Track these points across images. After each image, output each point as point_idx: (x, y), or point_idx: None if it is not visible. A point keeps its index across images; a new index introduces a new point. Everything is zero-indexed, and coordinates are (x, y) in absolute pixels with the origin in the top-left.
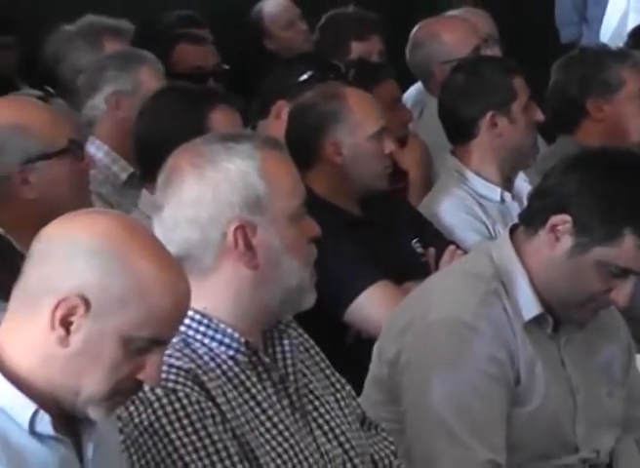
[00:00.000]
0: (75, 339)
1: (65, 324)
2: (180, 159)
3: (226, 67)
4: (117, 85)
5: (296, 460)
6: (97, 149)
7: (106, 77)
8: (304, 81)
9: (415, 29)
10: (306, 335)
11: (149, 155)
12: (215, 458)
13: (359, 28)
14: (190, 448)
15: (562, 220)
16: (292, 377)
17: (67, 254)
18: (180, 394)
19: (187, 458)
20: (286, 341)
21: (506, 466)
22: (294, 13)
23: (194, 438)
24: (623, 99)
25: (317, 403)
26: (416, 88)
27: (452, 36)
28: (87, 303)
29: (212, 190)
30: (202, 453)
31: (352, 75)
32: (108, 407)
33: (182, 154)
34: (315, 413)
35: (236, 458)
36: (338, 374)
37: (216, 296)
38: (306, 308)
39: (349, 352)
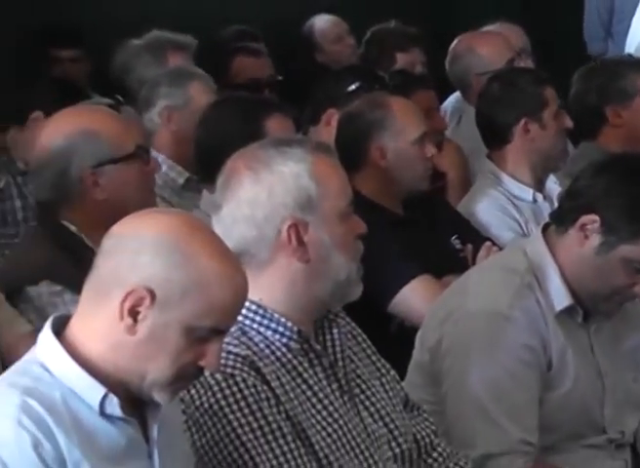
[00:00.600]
0: (142, 328)
1: (133, 314)
2: (237, 162)
3: (280, 78)
4: (169, 100)
5: (344, 439)
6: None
7: (160, 93)
8: (353, 91)
9: (453, 43)
10: (354, 324)
11: (209, 159)
12: (269, 438)
13: (402, 41)
14: (247, 429)
15: (591, 220)
16: (340, 363)
17: (135, 250)
18: (238, 378)
19: (244, 438)
20: (335, 330)
21: (539, 446)
22: (342, 28)
23: (250, 419)
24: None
25: (364, 386)
26: (454, 97)
27: (488, 49)
28: (153, 295)
29: (267, 191)
30: (258, 433)
31: (393, 85)
32: (172, 391)
33: (240, 158)
34: (362, 396)
35: (289, 438)
36: (383, 360)
37: (270, 289)
38: (354, 299)
39: (394, 340)
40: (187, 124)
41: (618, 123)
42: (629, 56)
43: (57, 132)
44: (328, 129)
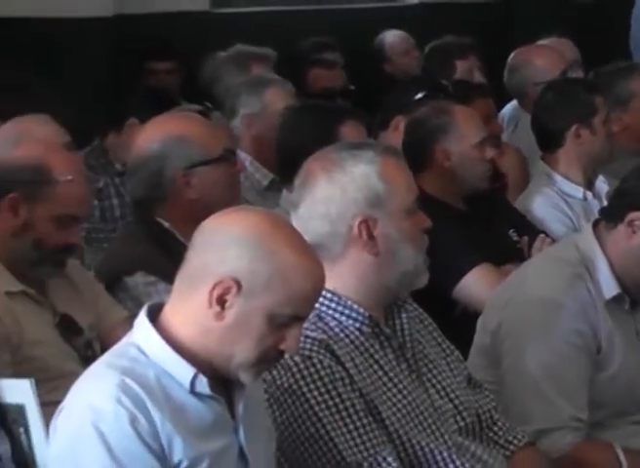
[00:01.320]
0: (228, 315)
1: (221, 302)
2: (313, 164)
3: (352, 88)
4: (247, 108)
5: (413, 414)
6: (242, 160)
7: (240, 102)
8: (419, 99)
9: (511, 56)
10: (421, 310)
11: (289, 161)
12: (344, 414)
13: (460, 49)
14: (323, 406)
15: (638, 217)
16: (409, 345)
17: (223, 244)
18: (315, 360)
19: (321, 414)
20: (404, 315)
21: (588, 422)
22: (409, 42)
23: (326, 397)
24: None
25: (431, 366)
26: (511, 105)
27: (544, 62)
28: (239, 285)
29: (340, 190)
30: (333, 410)
31: (456, 94)
32: (255, 372)
33: (316, 160)
34: (429, 375)
35: (362, 414)
36: (448, 342)
37: (343, 278)
38: (421, 287)
39: (457, 324)
40: (266, 128)
41: (622, 126)
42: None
43: (152, 136)
44: (396, 134)
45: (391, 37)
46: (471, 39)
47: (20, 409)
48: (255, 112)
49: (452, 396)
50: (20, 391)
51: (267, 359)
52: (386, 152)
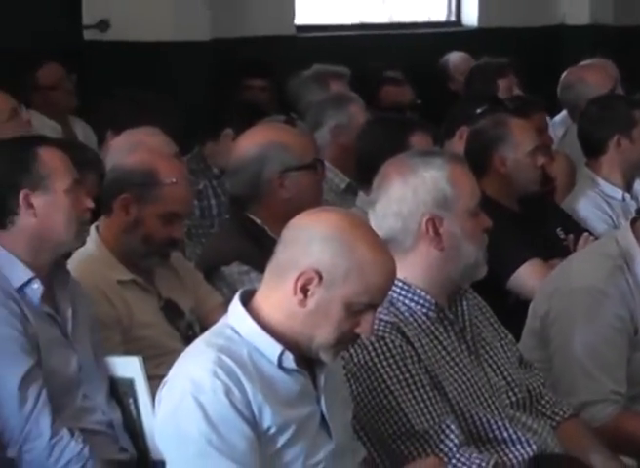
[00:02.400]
0: (310, 302)
1: (304, 291)
2: (390, 168)
3: (419, 102)
4: (337, 119)
5: (472, 389)
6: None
7: (327, 115)
8: (480, 112)
9: (564, 74)
10: (480, 298)
11: (366, 167)
12: (412, 387)
13: (501, 69)
14: (395, 380)
15: None
16: (469, 329)
17: (308, 240)
18: (387, 340)
19: (392, 387)
20: (465, 303)
21: (627, 396)
22: (471, 62)
23: (397, 372)
24: None
25: (487, 348)
26: (561, 116)
27: (595, 79)
28: (320, 276)
29: (412, 192)
30: (403, 384)
31: (513, 108)
32: (334, 352)
33: (392, 165)
34: (486, 355)
35: (428, 387)
36: (502, 327)
37: (413, 269)
38: (479, 278)
39: (511, 311)
40: (351, 138)
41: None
42: None
43: (254, 142)
44: (460, 143)
45: (454, 58)
46: (521, 59)
47: (129, 383)
48: (343, 123)
49: (505, 374)
50: (129, 367)
51: (344, 341)
52: (454, 160)
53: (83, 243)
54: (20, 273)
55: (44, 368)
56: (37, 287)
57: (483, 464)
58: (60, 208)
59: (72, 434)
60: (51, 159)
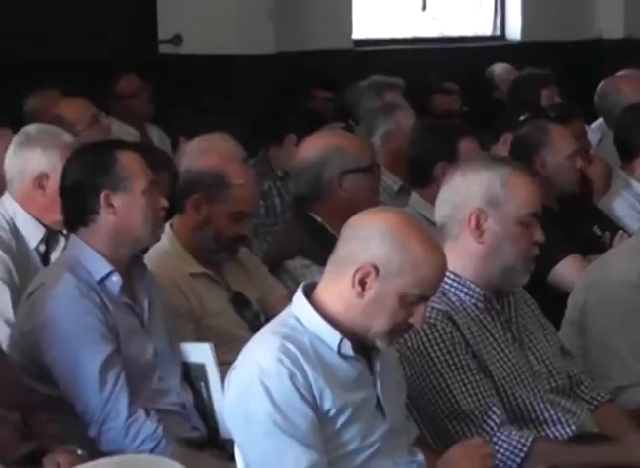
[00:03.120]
0: (367, 294)
1: (362, 283)
2: (460, 165)
3: (467, 109)
4: (386, 126)
5: (515, 374)
6: None
7: (378, 122)
8: (523, 119)
9: (601, 84)
10: (524, 291)
11: (417, 169)
12: (460, 371)
13: (543, 79)
14: (444, 364)
15: None
16: (514, 319)
17: (365, 237)
18: (439, 327)
19: (442, 370)
20: (511, 296)
21: None
22: (514, 74)
23: (447, 357)
24: None
25: (531, 337)
26: (597, 123)
27: (631, 89)
28: (377, 270)
29: (467, 185)
30: (452, 367)
31: (553, 115)
32: (389, 340)
33: (463, 164)
34: (529, 344)
35: (475, 371)
36: (545, 318)
37: (462, 261)
38: (521, 284)
39: (552, 302)
40: (398, 143)
41: None
42: None
43: (316, 146)
44: (504, 147)
45: (499, 69)
46: (561, 70)
47: (201, 368)
48: (392, 129)
49: (547, 362)
50: (201, 353)
51: (398, 330)
52: (517, 169)
53: (158, 239)
54: (101, 267)
55: (123, 354)
56: (117, 279)
57: (522, 440)
58: (138, 207)
59: (148, 414)
60: (129, 162)
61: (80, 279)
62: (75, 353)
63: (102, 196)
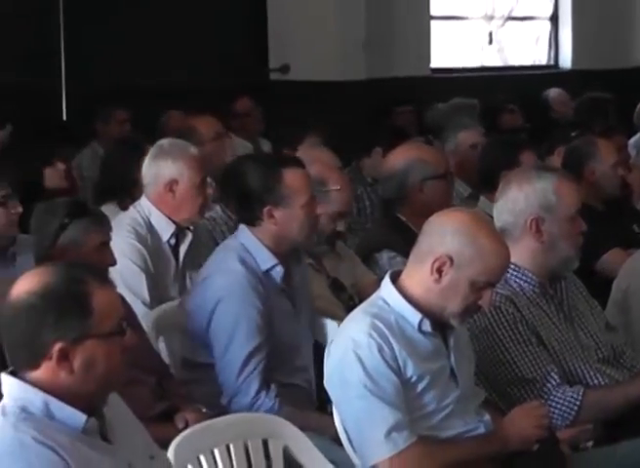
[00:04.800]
0: (444, 281)
1: (439, 271)
2: (513, 177)
3: (527, 126)
4: (454, 141)
5: (568, 346)
6: None
7: (448, 138)
8: (574, 135)
9: (638, 106)
10: (575, 277)
11: (486, 177)
12: (522, 345)
13: (603, 102)
14: (508, 339)
15: None
16: (565, 302)
17: (442, 232)
18: (502, 309)
19: (507, 345)
20: (563, 282)
21: None
22: (567, 97)
23: (510, 333)
24: None
25: (580, 315)
26: (636, 137)
27: None
28: (452, 261)
29: (524, 196)
30: (515, 342)
31: (599, 131)
32: (461, 319)
33: (516, 175)
34: (579, 321)
35: (534, 344)
36: (592, 299)
37: (522, 255)
38: (573, 269)
39: (599, 286)
40: (461, 156)
41: None
42: None
43: (400, 157)
44: (558, 158)
45: (553, 92)
46: (608, 93)
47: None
48: (459, 143)
49: (594, 336)
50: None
51: (469, 310)
52: (562, 176)
53: (313, 242)
54: (267, 259)
55: (276, 334)
56: (279, 269)
57: (575, 395)
58: (297, 219)
59: (268, 392)
60: (293, 180)
61: (248, 269)
62: (231, 336)
63: (265, 210)
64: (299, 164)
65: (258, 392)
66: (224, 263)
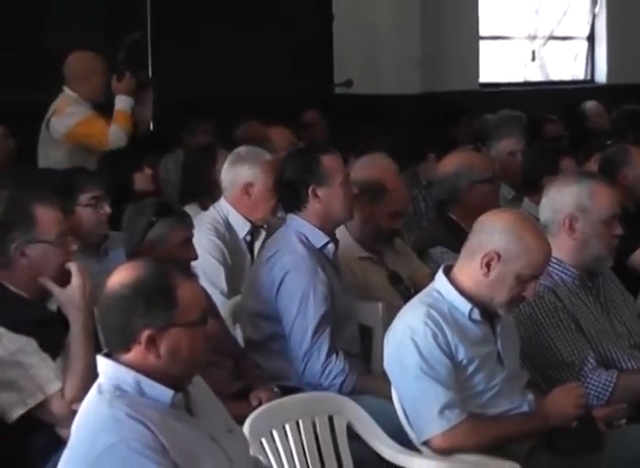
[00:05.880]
0: (492, 274)
1: (487, 266)
2: (557, 180)
3: (567, 134)
4: (499, 148)
5: (604, 333)
6: None
7: (498, 146)
8: (610, 143)
9: None
10: (610, 271)
11: (529, 180)
12: (563, 330)
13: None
14: (550, 326)
15: None
16: (602, 293)
17: (491, 231)
18: (545, 298)
19: (549, 331)
20: (600, 276)
21: None
22: (602, 109)
23: (552, 320)
24: None
25: (615, 305)
26: None
27: None
28: (499, 256)
29: (561, 196)
30: (556, 328)
31: (634, 140)
32: (507, 308)
33: (559, 179)
34: (613, 311)
35: (574, 331)
36: (626, 291)
37: (561, 250)
38: (605, 269)
39: (631, 279)
40: (503, 163)
41: None
42: None
43: (451, 163)
44: (594, 164)
45: (589, 105)
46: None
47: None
48: (501, 150)
49: (627, 325)
50: (373, 311)
51: (515, 301)
52: (599, 181)
53: (352, 217)
54: (320, 237)
55: (334, 305)
56: (331, 246)
57: (609, 377)
58: (338, 196)
59: (337, 355)
60: (330, 162)
61: (307, 247)
62: (300, 304)
63: (310, 190)
64: (331, 150)
65: (328, 356)
66: (287, 244)
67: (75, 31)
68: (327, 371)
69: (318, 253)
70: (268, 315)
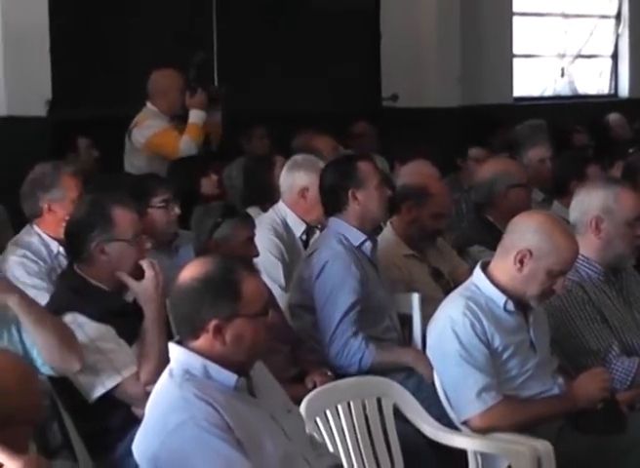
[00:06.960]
0: (525, 270)
1: (521, 262)
2: (587, 184)
3: (592, 144)
4: (525, 158)
5: (626, 325)
6: None
7: (529, 153)
8: (632, 152)
9: None
10: (632, 269)
11: (558, 185)
12: (589, 321)
13: None
14: (577, 317)
15: None
16: (625, 288)
17: (523, 230)
18: (573, 292)
19: (577, 321)
20: (623, 272)
21: None
22: (624, 121)
23: (579, 312)
24: None
25: (637, 299)
26: None
27: None
28: (531, 253)
29: (589, 199)
30: (583, 319)
31: None
32: (539, 301)
33: (589, 183)
34: (635, 304)
35: (599, 321)
36: None
37: (587, 248)
38: (628, 266)
39: None
40: (535, 167)
41: None
42: None
43: (488, 169)
44: (617, 171)
45: (613, 117)
46: None
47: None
48: (529, 159)
49: None
50: (410, 301)
51: (545, 294)
52: (625, 187)
53: (387, 217)
54: (358, 236)
55: (370, 298)
56: (368, 244)
57: (632, 364)
58: (374, 198)
59: (357, 336)
60: (365, 167)
61: (345, 246)
62: (332, 290)
63: (350, 193)
64: (366, 157)
65: (349, 338)
66: (325, 243)
67: (150, 50)
68: (346, 351)
69: (356, 251)
70: (308, 306)
